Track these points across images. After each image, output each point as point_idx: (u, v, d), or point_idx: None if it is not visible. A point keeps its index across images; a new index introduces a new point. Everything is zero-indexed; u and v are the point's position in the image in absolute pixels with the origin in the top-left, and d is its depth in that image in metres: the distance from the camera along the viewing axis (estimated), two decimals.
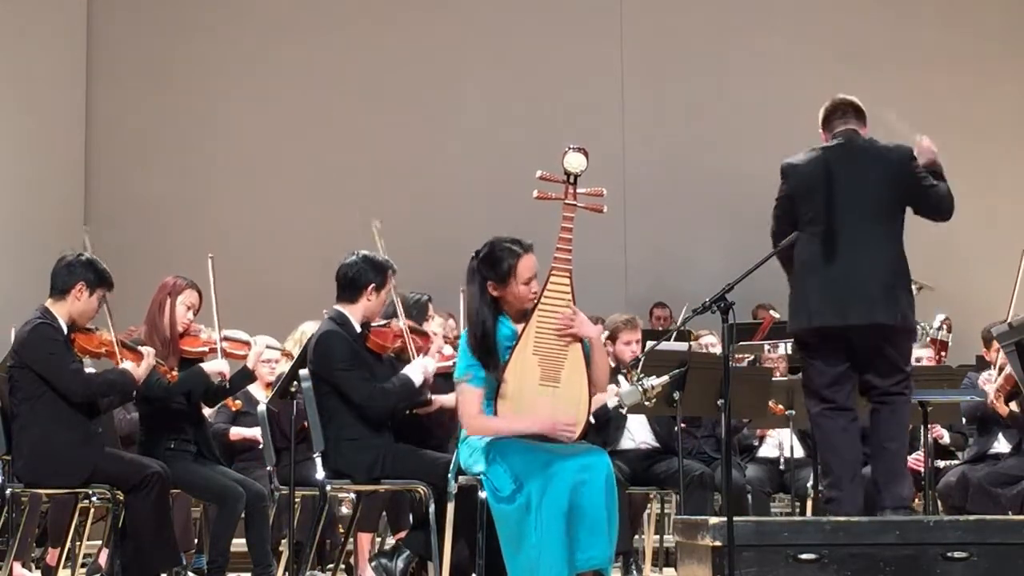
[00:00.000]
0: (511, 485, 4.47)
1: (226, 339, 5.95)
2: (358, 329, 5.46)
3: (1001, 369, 6.51)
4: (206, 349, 5.89)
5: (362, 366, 5.35)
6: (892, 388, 4.91)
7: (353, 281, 5.46)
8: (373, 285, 5.47)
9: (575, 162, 4.68)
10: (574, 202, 4.68)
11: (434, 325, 6.49)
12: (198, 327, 5.93)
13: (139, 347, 5.67)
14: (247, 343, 6.03)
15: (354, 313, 5.47)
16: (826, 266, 4.91)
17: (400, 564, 5.27)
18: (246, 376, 5.99)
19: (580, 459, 4.49)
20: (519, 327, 4.67)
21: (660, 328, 10.20)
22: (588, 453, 4.55)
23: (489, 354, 4.59)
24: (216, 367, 5.78)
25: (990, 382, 6.72)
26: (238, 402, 6.83)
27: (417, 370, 5.48)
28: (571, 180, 4.67)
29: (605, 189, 4.72)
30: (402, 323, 5.67)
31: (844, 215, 4.92)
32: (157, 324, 5.81)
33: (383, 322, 5.73)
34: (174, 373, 5.71)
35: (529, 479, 4.43)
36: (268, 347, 6.15)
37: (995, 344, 6.67)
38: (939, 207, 5.03)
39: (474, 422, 4.65)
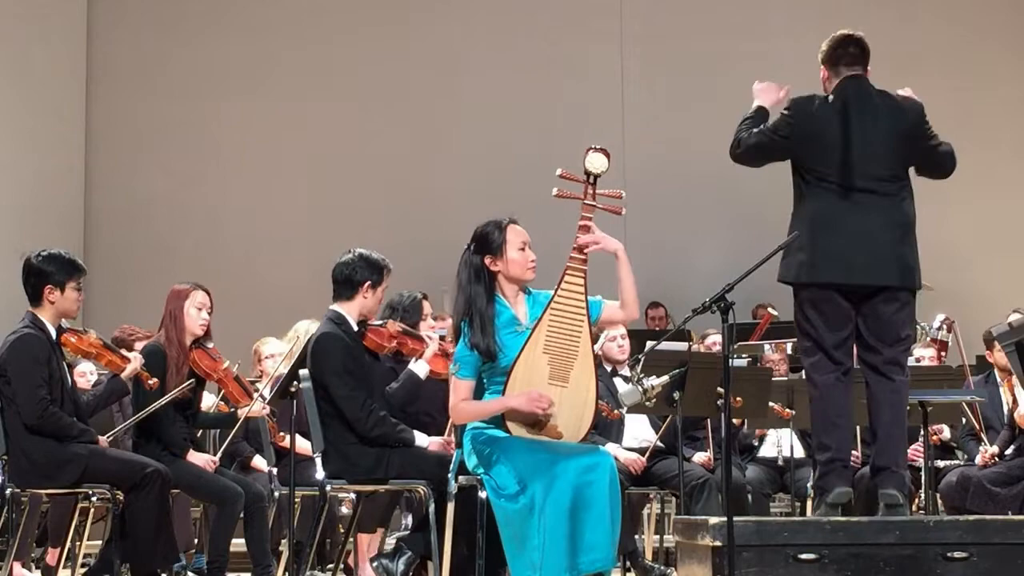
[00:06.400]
0: (515, 485, 4.47)
1: (237, 380, 6.08)
2: (355, 327, 5.46)
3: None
4: (212, 375, 5.98)
5: (358, 375, 5.33)
6: (894, 356, 4.80)
7: (349, 278, 5.46)
8: (369, 283, 5.46)
9: (597, 162, 4.66)
10: (593, 203, 4.67)
11: (432, 322, 6.51)
12: (221, 356, 6.02)
13: (127, 353, 5.73)
14: (250, 397, 6.11)
15: (351, 311, 5.46)
16: (835, 224, 4.74)
17: (401, 566, 5.26)
18: (230, 421, 6.19)
19: (584, 459, 4.48)
20: (518, 311, 4.68)
21: (657, 328, 10.21)
22: (592, 453, 4.55)
23: (483, 333, 4.59)
24: (202, 459, 5.89)
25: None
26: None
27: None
28: (591, 180, 4.67)
29: (623, 191, 4.72)
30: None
31: (857, 170, 4.74)
32: (170, 334, 5.87)
33: (379, 322, 5.75)
34: (184, 371, 5.81)
35: (533, 479, 4.43)
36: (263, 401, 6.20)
37: (996, 346, 6.67)
38: (943, 164, 4.92)
39: (456, 409, 4.70)
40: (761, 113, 5.04)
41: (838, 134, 4.79)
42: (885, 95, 4.91)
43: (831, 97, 4.90)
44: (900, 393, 4.83)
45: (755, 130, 4.94)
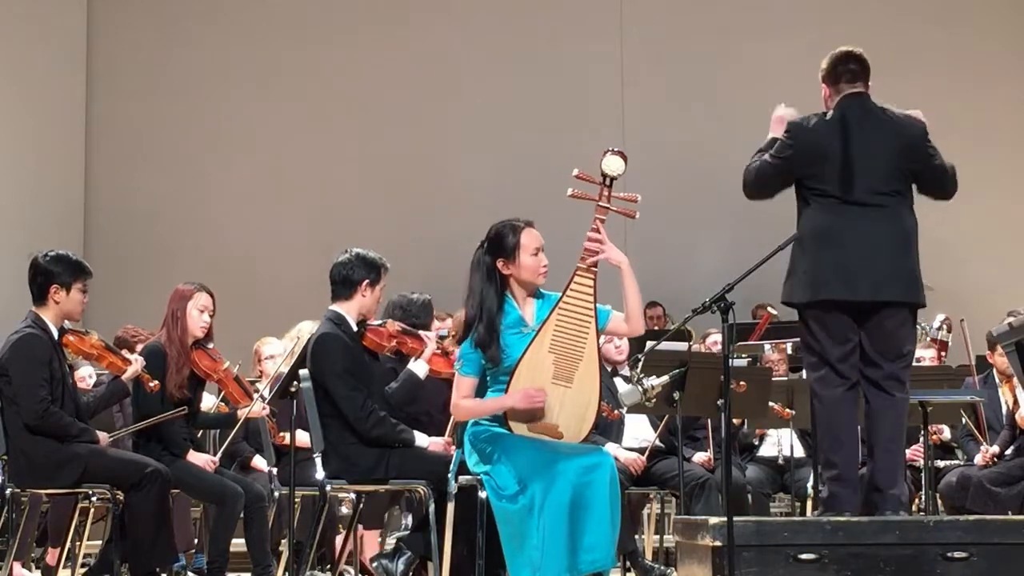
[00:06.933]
0: (515, 485, 4.47)
1: (236, 381, 6.08)
2: (355, 327, 5.47)
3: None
4: (213, 375, 5.98)
5: (358, 375, 5.32)
6: (895, 371, 4.78)
7: (347, 278, 5.44)
8: (367, 281, 5.45)
9: (613, 165, 4.67)
10: (607, 205, 4.67)
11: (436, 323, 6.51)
12: (221, 356, 6.02)
13: (129, 355, 5.74)
14: (250, 398, 6.10)
15: (350, 311, 5.45)
16: (836, 237, 4.72)
17: (401, 566, 5.26)
18: (230, 422, 6.18)
19: (584, 459, 4.49)
20: (526, 312, 4.68)
21: (655, 328, 10.20)
22: (592, 453, 4.56)
23: (490, 335, 4.59)
24: (202, 459, 5.90)
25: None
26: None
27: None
28: (607, 182, 4.67)
29: (639, 196, 4.70)
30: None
31: (857, 185, 4.73)
32: (172, 334, 5.88)
33: (379, 322, 5.76)
34: (184, 371, 5.82)
35: (533, 479, 4.44)
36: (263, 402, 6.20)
37: (999, 348, 6.66)
38: (944, 184, 4.88)
39: (456, 407, 4.73)
40: (771, 141, 4.96)
41: (838, 149, 4.77)
42: (886, 111, 4.88)
43: (830, 113, 4.87)
44: (899, 409, 4.80)
45: (757, 161, 4.91)
